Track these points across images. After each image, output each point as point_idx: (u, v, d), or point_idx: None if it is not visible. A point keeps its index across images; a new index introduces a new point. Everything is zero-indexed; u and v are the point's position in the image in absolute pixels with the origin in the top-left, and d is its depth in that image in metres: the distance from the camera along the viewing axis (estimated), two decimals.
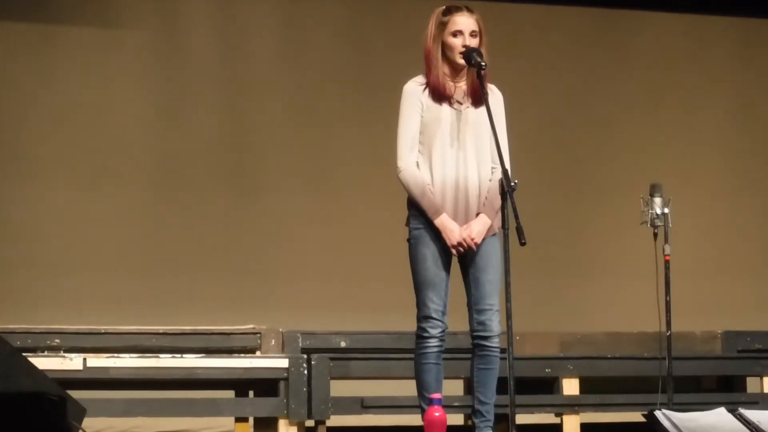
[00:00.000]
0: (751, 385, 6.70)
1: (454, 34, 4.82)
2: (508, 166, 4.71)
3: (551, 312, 8.09)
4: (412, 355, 4.90)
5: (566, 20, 8.89)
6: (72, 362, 5.74)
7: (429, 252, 4.81)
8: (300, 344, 6.19)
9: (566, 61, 8.83)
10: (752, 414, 5.16)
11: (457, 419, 6.29)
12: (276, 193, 8.26)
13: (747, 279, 8.83)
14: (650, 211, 6.00)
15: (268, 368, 5.97)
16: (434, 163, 4.82)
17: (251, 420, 6.16)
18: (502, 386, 4.78)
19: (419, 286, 4.83)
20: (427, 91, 4.85)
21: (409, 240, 4.88)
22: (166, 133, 8.18)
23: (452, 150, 4.82)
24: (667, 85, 9.01)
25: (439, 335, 4.80)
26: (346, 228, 8.29)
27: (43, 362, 5.36)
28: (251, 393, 6.28)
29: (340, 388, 6.08)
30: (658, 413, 5.12)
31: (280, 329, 6.22)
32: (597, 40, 8.94)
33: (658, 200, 6.02)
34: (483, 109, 4.76)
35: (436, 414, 4.62)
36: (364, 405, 6.09)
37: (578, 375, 6.32)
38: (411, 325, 4.92)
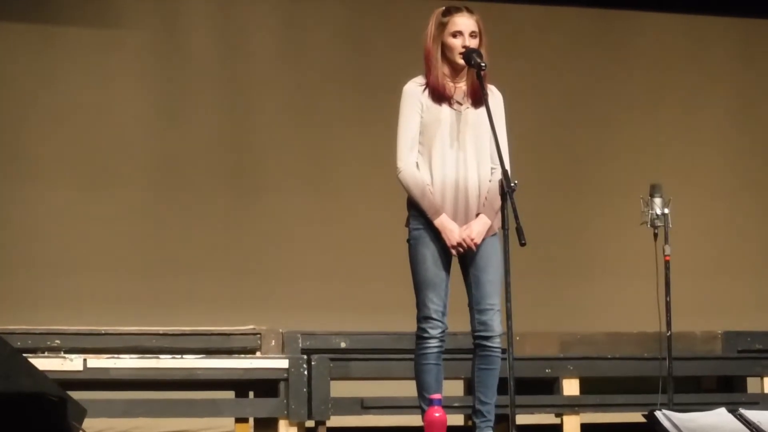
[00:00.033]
0: (752, 385, 6.70)
1: (454, 35, 4.82)
2: (508, 166, 4.71)
3: (551, 312, 8.09)
4: (412, 356, 4.90)
5: (566, 20, 8.89)
6: (72, 363, 5.74)
7: (429, 252, 4.81)
8: (300, 345, 6.19)
9: (566, 62, 8.83)
10: (752, 414, 5.16)
11: (457, 420, 6.29)
12: (276, 193, 8.26)
13: (747, 279, 8.83)
14: (650, 211, 6.00)
15: (268, 369, 5.97)
16: (434, 164, 4.82)
17: (251, 420, 6.16)
18: (502, 386, 4.79)
19: (419, 287, 4.83)
20: (426, 91, 4.85)
21: (408, 240, 4.88)
22: (166, 133, 8.18)
23: (452, 150, 4.82)
24: (667, 85, 9.01)
25: (439, 336, 4.80)
26: (346, 228, 8.29)
27: (43, 363, 5.37)
28: (251, 393, 6.28)
29: (340, 389, 6.08)
30: (658, 413, 5.12)
31: (280, 330, 6.22)
32: (597, 40, 8.94)
33: (658, 200, 6.02)
34: (483, 109, 4.76)
35: (436, 414, 4.62)
36: (364, 405, 6.09)
37: (578, 375, 6.32)
38: (411, 326, 4.92)
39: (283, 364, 5.97)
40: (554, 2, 8.79)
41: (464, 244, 4.78)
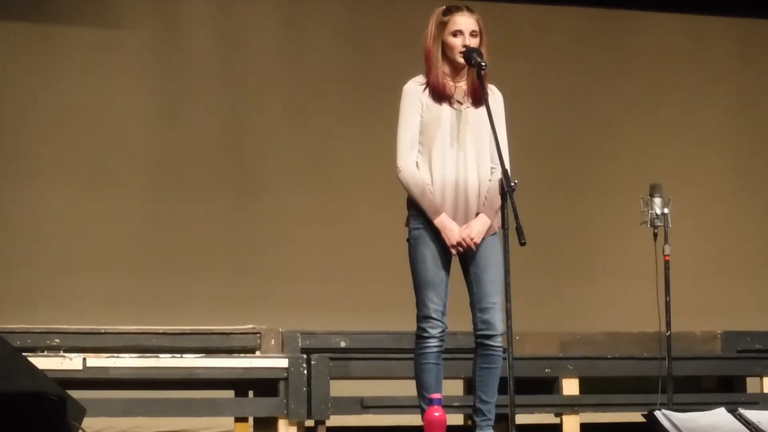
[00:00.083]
0: (751, 385, 6.70)
1: (454, 34, 4.82)
2: (508, 166, 4.71)
3: (551, 312, 8.09)
4: (411, 355, 4.90)
5: (566, 20, 8.89)
6: (72, 362, 5.74)
7: (429, 252, 4.81)
8: (300, 344, 6.19)
9: (566, 61, 8.83)
10: (752, 414, 5.16)
11: (456, 419, 6.29)
12: (276, 193, 8.26)
13: (747, 279, 8.83)
14: (650, 211, 6.00)
15: (267, 368, 5.97)
16: (434, 163, 4.82)
17: (251, 420, 6.16)
18: (502, 386, 4.79)
19: (419, 286, 4.83)
20: (427, 91, 4.85)
21: (408, 240, 4.88)
22: (166, 133, 8.18)
23: (452, 150, 4.82)
24: (667, 85, 9.01)
25: (439, 335, 4.80)
26: (346, 228, 8.29)
27: (43, 362, 5.36)
28: (251, 393, 6.28)
29: (339, 388, 6.08)
30: (658, 413, 5.12)
31: (280, 329, 6.22)
32: (597, 40, 8.94)
33: (658, 200, 6.01)
34: (483, 109, 4.76)
35: (436, 414, 4.62)
36: (364, 405, 6.09)
37: (578, 375, 6.32)
38: (411, 325, 4.92)
39: (283, 363, 5.96)
40: (554, 2, 8.79)
41: (464, 244, 4.78)
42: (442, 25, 4.84)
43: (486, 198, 4.83)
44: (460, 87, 4.87)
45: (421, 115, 4.84)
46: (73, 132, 7.99)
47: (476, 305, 4.81)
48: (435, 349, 4.81)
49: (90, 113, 8.04)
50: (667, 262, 6.00)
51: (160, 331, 6.05)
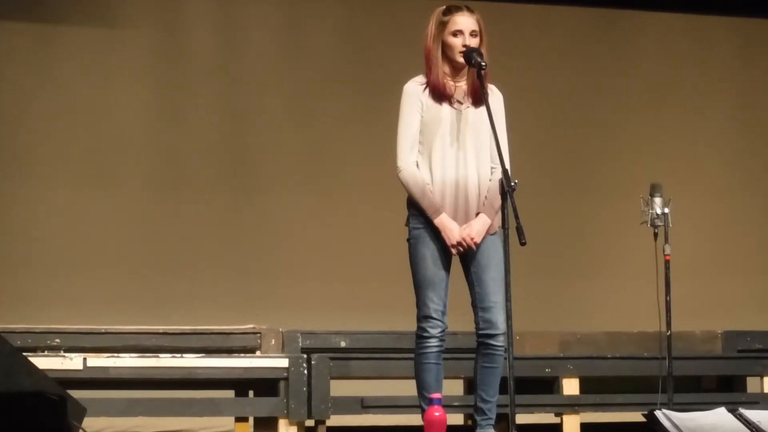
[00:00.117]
0: (752, 385, 6.70)
1: (455, 34, 4.82)
2: (508, 165, 4.71)
3: (551, 312, 8.08)
4: (412, 355, 4.90)
5: (566, 20, 8.89)
6: (72, 362, 5.74)
7: (429, 252, 4.81)
8: (300, 344, 6.19)
9: (566, 61, 8.83)
10: (752, 414, 5.16)
11: (457, 419, 6.29)
12: (276, 193, 8.26)
13: (747, 279, 8.83)
14: (650, 211, 6.00)
15: (268, 368, 5.97)
16: (434, 163, 4.82)
17: (251, 420, 6.16)
18: (502, 386, 4.79)
19: (419, 286, 4.83)
20: (427, 90, 4.86)
21: (408, 240, 4.89)
22: (166, 133, 8.18)
23: (452, 150, 4.82)
24: (667, 85, 9.01)
25: (439, 335, 4.80)
26: (346, 228, 8.29)
27: (43, 362, 5.36)
28: (251, 393, 6.28)
29: (340, 388, 6.08)
30: (658, 413, 5.12)
31: (280, 329, 6.22)
32: (597, 40, 8.94)
33: (658, 200, 6.02)
34: (483, 109, 4.76)
35: (436, 414, 4.62)
36: (364, 405, 6.09)
37: (578, 375, 6.32)
38: (411, 325, 4.92)
39: (283, 363, 5.97)
40: (555, 1, 8.79)
41: (464, 244, 4.79)
42: (442, 25, 4.84)
43: (486, 198, 4.83)
44: (460, 87, 4.87)
45: (422, 115, 4.84)
46: (72, 132, 7.99)
47: (478, 304, 4.81)
48: (435, 349, 4.81)
49: (90, 113, 8.04)
50: (667, 262, 6.00)
51: (160, 331, 6.05)
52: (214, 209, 8.15)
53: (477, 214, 4.82)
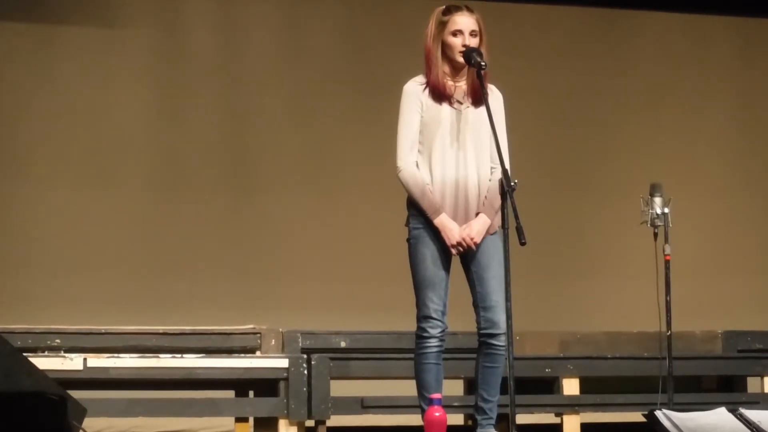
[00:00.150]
0: (752, 385, 6.70)
1: (454, 34, 4.82)
2: (508, 165, 4.71)
3: (551, 312, 8.08)
4: (412, 355, 4.90)
5: (566, 20, 8.89)
6: (72, 362, 5.74)
7: (428, 252, 4.81)
8: (300, 344, 6.19)
9: (566, 61, 8.83)
10: (753, 414, 5.16)
11: (457, 419, 6.29)
12: (276, 193, 8.26)
13: (747, 279, 8.83)
14: (650, 210, 6.00)
15: (268, 368, 5.97)
16: (434, 163, 4.82)
17: (251, 420, 6.16)
18: (502, 386, 4.79)
19: (419, 286, 4.83)
20: (427, 90, 4.86)
21: (408, 240, 4.89)
22: (166, 133, 8.18)
23: (452, 150, 4.82)
24: (667, 84, 9.01)
25: (439, 335, 4.80)
26: (346, 228, 8.29)
27: (43, 362, 5.36)
28: (251, 393, 6.27)
29: (340, 388, 6.08)
30: (658, 413, 5.12)
31: (280, 329, 6.22)
32: (597, 39, 8.94)
33: (658, 200, 6.01)
34: (483, 108, 4.76)
35: (436, 414, 4.62)
36: (364, 405, 6.09)
37: (578, 375, 6.32)
38: (411, 325, 4.92)
39: (283, 363, 5.96)
40: (554, 1, 8.79)
41: (464, 244, 4.79)
42: (442, 25, 4.84)
43: (486, 198, 4.83)
44: (460, 87, 4.88)
45: (421, 115, 4.84)
46: (72, 132, 7.99)
47: (480, 304, 4.81)
48: (435, 349, 4.81)
49: (90, 113, 8.04)
50: (667, 262, 5.99)
51: (160, 331, 6.05)
52: (214, 209, 8.15)
53: (477, 214, 4.82)
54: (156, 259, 8.00)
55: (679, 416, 5.10)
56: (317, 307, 7.79)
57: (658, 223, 5.99)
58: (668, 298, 5.96)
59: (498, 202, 4.68)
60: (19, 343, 5.60)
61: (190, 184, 8.15)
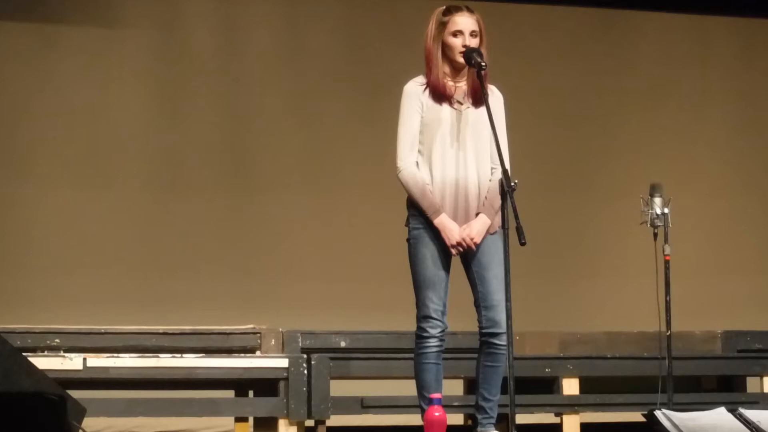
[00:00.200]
0: (751, 384, 6.70)
1: (454, 34, 4.82)
2: (508, 166, 4.71)
3: (551, 311, 8.08)
4: (412, 355, 4.91)
5: (566, 20, 8.89)
6: (72, 362, 5.74)
7: (428, 252, 4.82)
8: (300, 344, 6.19)
9: (567, 61, 8.82)
10: (752, 414, 5.16)
11: (456, 419, 6.29)
12: (276, 193, 8.26)
13: (747, 279, 8.82)
14: (650, 210, 6.00)
15: (267, 368, 5.97)
16: (434, 163, 4.82)
17: (251, 420, 6.16)
18: (502, 386, 4.79)
19: (419, 286, 4.83)
20: (427, 91, 4.86)
21: (408, 240, 4.89)
22: (166, 133, 8.18)
23: (452, 150, 4.83)
24: (668, 85, 9.01)
25: (438, 335, 4.81)
26: (346, 228, 8.29)
27: (43, 362, 5.37)
28: (251, 393, 6.28)
29: (340, 388, 6.08)
30: (658, 413, 5.12)
31: (280, 329, 6.22)
32: (597, 40, 8.94)
33: (658, 200, 6.01)
34: (483, 109, 4.76)
35: (436, 414, 4.62)
36: (364, 405, 6.09)
37: (578, 375, 6.32)
38: (411, 325, 4.92)
39: (283, 363, 5.97)
40: (555, 1, 8.79)
41: (464, 244, 4.79)
42: (442, 25, 4.84)
43: (486, 198, 4.83)
44: (460, 87, 4.88)
45: (422, 116, 4.84)
46: (72, 132, 7.99)
47: (481, 303, 4.81)
48: (435, 349, 4.81)
49: (89, 113, 8.04)
50: (667, 262, 5.99)
51: (160, 331, 6.05)
52: (213, 209, 8.15)
53: (477, 214, 4.82)
54: (156, 258, 8.00)
55: (678, 416, 5.10)
56: (317, 307, 7.79)
57: (658, 223, 5.99)
58: (668, 298, 5.96)
59: (498, 202, 4.68)
60: (18, 342, 5.61)
61: (190, 184, 8.15)
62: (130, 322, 6.24)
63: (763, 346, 6.73)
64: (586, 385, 6.33)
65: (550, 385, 6.33)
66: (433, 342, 4.81)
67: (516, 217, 4.48)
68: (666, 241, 6.00)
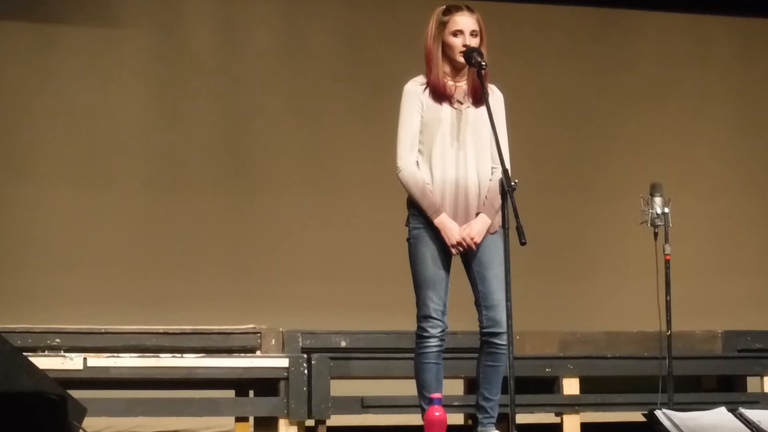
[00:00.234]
0: (752, 384, 6.70)
1: (455, 34, 4.82)
2: (508, 165, 4.71)
3: (551, 311, 8.08)
4: (412, 355, 4.91)
5: (566, 20, 8.89)
6: (72, 362, 5.74)
7: (428, 252, 4.82)
8: (300, 344, 6.19)
9: (567, 61, 8.83)
10: (752, 413, 5.17)
11: (457, 419, 6.29)
12: (276, 193, 8.26)
13: (747, 279, 8.82)
14: (650, 210, 6.00)
15: (268, 368, 5.97)
16: (434, 163, 4.82)
17: (251, 419, 6.16)
18: (502, 385, 4.79)
19: (419, 286, 4.83)
20: (427, 90, 4.86)
21: (408, 239, 4.89)
22: (166, 133, 8.18)
23: (452, 150, 4.83)
24: (667, 85, 9.01)
25: (439, 335, 4.81)
26: (347, 228, 8.29)
27: (43, 362, 5.36)
28: (251, 392, 6.28)
29: (340, 388, 6.08)
30: (658, 413, 5.12)
31: (280, 329, 6.22)
32: (597, 39, 8.94)
33: (658, 200, 6.01)
34: (483, 108, 4.76)
35: (437, 414, 4.62)
36: (364, 405, 6.09)
37: (578, 374, 6.32)
38: (411, 325, 4.92)
39: (283, 363, 5.96)
40: (555, 1, 8.79)
41: (464, 243, 4.79)
42: (442, 25, 4.84)
43: (486, 197, 4.83)
44: (460, 87, 4.88)
45: (422, 115, 4.85)
46: (72, 132, 7.99)
47: (482, 303, 4.81)
48: (435, 349, 4.82)
49: (89, 113, 8.04)
50: (667, 262, 5.99)
51: (161, 331, 6.05)
52: (213, 209, 8.15)
53: (477, 213, 4.82)
54: (156, 258, 8.00)
55: (679, 416, 5.10)
56: (317, 307, 7.79)
57: (658, 222, 5.99)
58: (668, 298, 5.96)
59: (498, 201, 4.68)
60: (19, 342, 5.61)
61: (190, 184, 8.15)
62: (130, 322, 6.24)
63: (763, 346, 6.73)
64: (586, 385, 6.33)
65: (551, 385, 6.33)
66: (434, 342, 4.81)
67: (516, 216, 4.48)
68: (666, 240, 5.99)
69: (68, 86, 8.01)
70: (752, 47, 9.20)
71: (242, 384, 6.21)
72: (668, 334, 5.94)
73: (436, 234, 4.80)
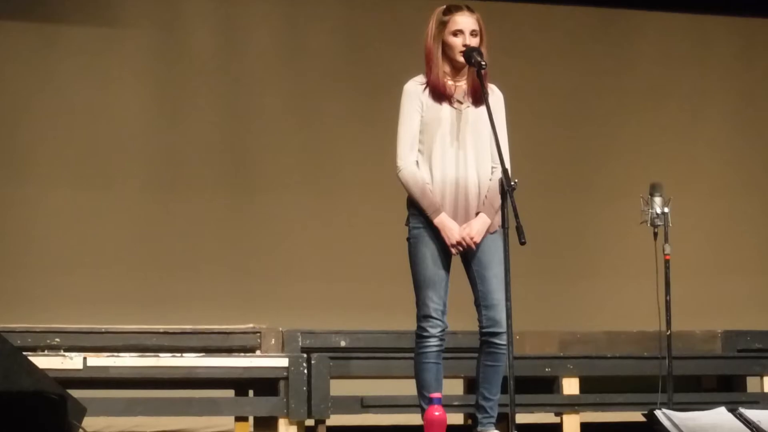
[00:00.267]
0: (751, 384, 6.70)
1: (455, 34, 4.83)
2: (508, 165, 4.71)
3: (551, 311, 8.08)
4: (412, 355, 4.91)
5: (566, 20, 8.89)
6: (72, 361, 5.74)
7: (428, 251, 4.82)
8: (300, 343, 6.19)
9: (567, 61, 8.83)
10: (752, 413, 5.16)
11: (456, 419, 6.29)
12: (276, 193, 8.26)
13: (747, 279, 8.83)
14: (650, 210, 6.00)
15: (267, 367, 5.97)
16: (434, 163, 4.82)
17: (251, 419, 6.16)
18: (502, 385, 4.79)
19: (419, 286, 4.83)
20: (427, 90, 4.86)
21: (408, 239, 4.89)
22: (166, 133, 8.18)
23: (452, 149, 4.83)
24: (667, 85, 9.01)
25: (439, 334, 4.81)
26: (347, 228, 8.29)
27: (43, 361, 5.36)
28: (251, 392, 6.27)
29: (340, 388, 6.08)
30: (658, 413, 5.12)
31: (280, 328, 6.22)
32: (597, 39, 8.94)
33: (658, 199, 6.01)
34: (483, 108, 4.76)
35: (436, 413, 4.62)
36: (364, 404, 6.09)
37: (578, 374, 6.32)
38: (411, 325, 4.92)
39: (283, 362, 5.96)
40: (555, 1, 8.79)
41: (464, 243, 4.79)
42: (443, 25, 4.84)
43: (486, 197, 4.83)
44: (460, 86, 4.88)
45: (422, 115, 4.85)
46: (72, 132, 7.99)
47: (482, 302, 4.81)
48: (435, 349, 4.82)
49: (89, 113, 8.04)
50: (667, 262, 5.99)
51: (160, 331, 6.05)
52: (213, 209, 8.15)
53: (477, 213, 4.82)
54: (156, 258, 8.00)
55: (678, 416, 5.10)
56: (317, 307, 7.80)
57: (658, 222, 5.99)
58: (668, 298, 5.96)
59: (498, 201, 4.68)
60: (18, 342, 5.61)
61: (190, 184, 8.15)
62: (130, 322, 6.24)
63: (763, 346, 6.73)
64: (586, 385, 6.33)
65: (550, 385, 6.33)
66: (433, 341, 4.81)
67: (516, 216, 4.48)
68: (666, 240, 5.99)
69: (68, 86, 8.01)
70: (752, 47, 9.20)
71: (242, 384, 6.21)
72: (668, 334, 5.94)
73: (436, 234, 4.80)
